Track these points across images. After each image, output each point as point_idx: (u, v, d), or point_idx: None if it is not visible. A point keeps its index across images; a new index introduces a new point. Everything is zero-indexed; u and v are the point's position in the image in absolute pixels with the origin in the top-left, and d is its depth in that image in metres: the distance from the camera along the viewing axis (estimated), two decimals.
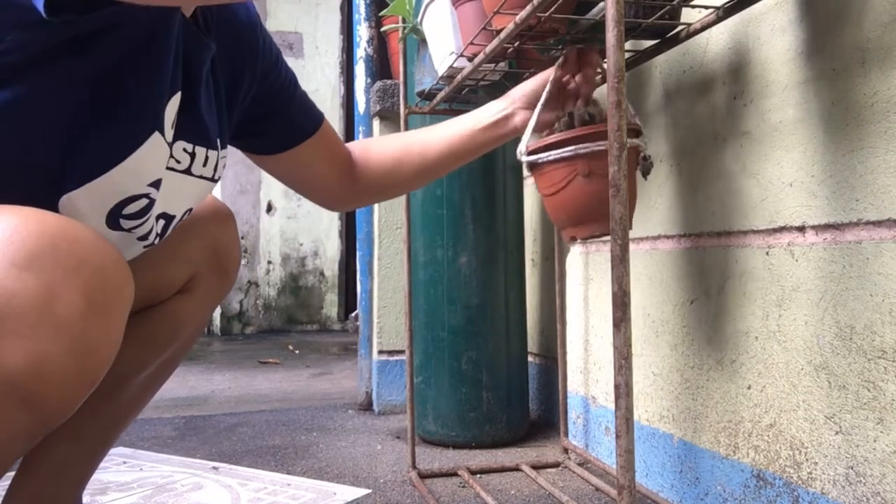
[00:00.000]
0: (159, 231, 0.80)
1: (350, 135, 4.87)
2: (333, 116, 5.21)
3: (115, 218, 0.73)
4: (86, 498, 0.95)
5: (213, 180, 0.85)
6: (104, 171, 0.69)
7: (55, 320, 0.55)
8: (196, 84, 0.77)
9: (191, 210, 0.85)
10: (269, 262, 5.10)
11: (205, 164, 0.81)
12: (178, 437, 1.88)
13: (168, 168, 0.76)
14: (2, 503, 0.87)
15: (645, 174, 0.92)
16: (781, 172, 1.00)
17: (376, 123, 2.21)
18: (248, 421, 2.07)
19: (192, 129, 0.78)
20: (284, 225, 5.10)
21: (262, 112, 0.92)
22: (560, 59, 0.96)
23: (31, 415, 0.56)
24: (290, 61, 5.09)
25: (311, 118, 0.98)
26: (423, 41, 1.37)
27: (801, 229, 0.97)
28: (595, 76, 1.04)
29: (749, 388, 1.07)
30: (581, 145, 0.86)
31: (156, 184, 0.74)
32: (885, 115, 0.84)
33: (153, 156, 0.72)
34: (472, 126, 1.03)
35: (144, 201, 0.74)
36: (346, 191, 1.03)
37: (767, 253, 1.03)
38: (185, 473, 1.55)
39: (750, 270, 1.07)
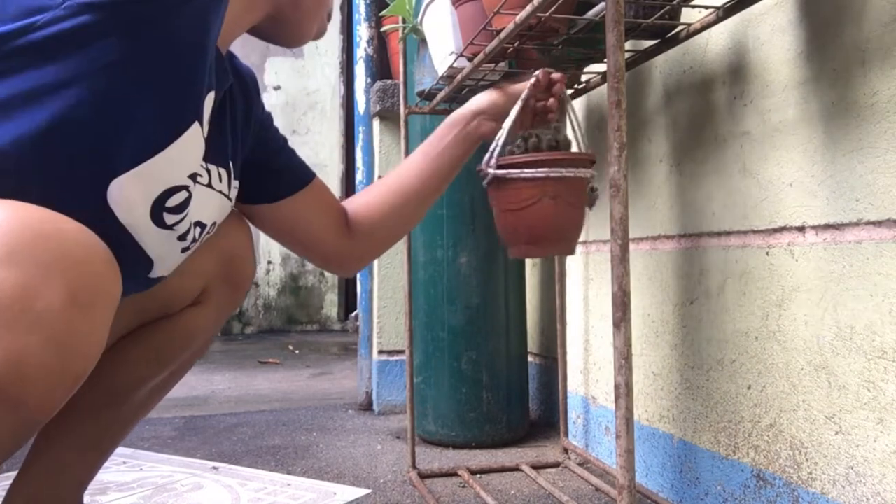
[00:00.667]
0: (196, 237, 0.81)
1: (350, 135, 4.88)
2: (333, 116, 5.21)
3: (159, 209, 0.72)
4: (86, 498, 0.95)
5: (230, 199, 0.86)
6: (153, 154, 0.69)
7: (34, 317, 0.54)
8: (214, 106, 0.79)
9: (216, 224, 0.86)
10: (269, 262, 5.10)
11: (220, 180, 0.82)
12: (178, 437, 1.88)
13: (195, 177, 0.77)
14: (2, 502, 0.87)
15: (590, 206, 0.95)
16: (781, 172, 1.00)
17: (376, 123, 2.21)
18: (248, 421, 2.07)
19: (210, 149, 0.78)
20: None
21: (257, 160, 0.93)
22: (532, 80, 0.97)
23: (12, 414, 0.55)
24: (290, 61, 5.09)
25: (304, 171, 0.99)
26: (423, 41, 1.37)
27: (801, 229, 0.97)
28: (560, 106, 1.04)
29: (749, 388, 1.07)
30: (553, 169, 0.89)
31: (194, 177, 0.75)
32: (885, 115, 0.84)
33: (193, 146, 0.73)
34: (440, 149, 1.02)
35: (185, 194, 0.74)
36: (344, 245, 1.00)
37: (767, 253, 1.03)
38: (185, 473, 1.55)
39: (750, 270, 1.07)
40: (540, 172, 0.89)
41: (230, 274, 0.96)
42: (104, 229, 0.67)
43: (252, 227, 0.99)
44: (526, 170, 0.89)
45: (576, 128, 1.00)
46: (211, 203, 0.82)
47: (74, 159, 0.66)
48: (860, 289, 0.88)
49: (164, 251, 0.77)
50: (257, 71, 4.89)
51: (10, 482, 0.88)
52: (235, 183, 0.87)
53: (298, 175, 0.97)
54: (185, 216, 0.76)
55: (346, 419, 2.09)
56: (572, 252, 0.98)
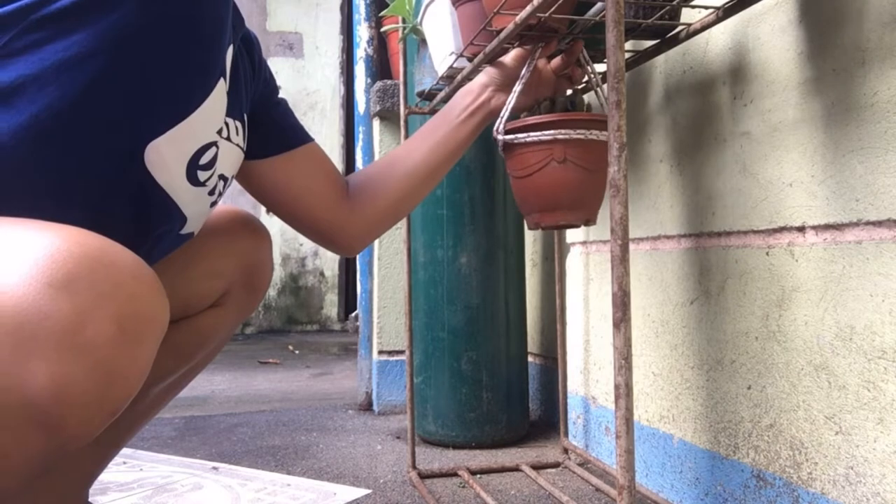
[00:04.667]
0: (221, 190, 0.82)
1: (350, 135, 4.88)
2: (333, 116, 5.21)
3: (193, 168, 0.73)
4: (88, 498, 0.95)
5: (243, 150, 0.86)
6: (187, 115, 0.69)
7: (83, 345, 0.54)
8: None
9: (233, 176, 0.86)
10: None
11: (237, 133, 0.83)
12: (178, 437, 1.88)
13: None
14: (6, 501, 0.87)
15: None
16: (781, 172, 1.01)
17: (376, 123, 2.21)
18: (248, 421, 2.07)
19: (228, 101, 0.79)
20: (285, 225, 5.06)
21: (256, 112, 0.93)
22: (541, 45, 0.95)
23: (48, 438, 0.55)
24: (291, 61, 5.09)
25: (301, 132, 0.98)
26: (423, 41, 1.37)
27: (801, 229, 0.97)
28: (578, 72, 1.03)
29: (749, 388, 1.07)
30: (561, 130, 0.86)
31: (220, 132, 0.76)
32: (885, 115, 0.84)
33: (220, 101, 0.74)
34: (450, 122, 0.99)
35: (214, 150, 0.75)
36: (340, 217, 0.97)
37: (767, 253, 1.03)
38: (185, 473, 1.55)
39: (750, 270, 1.07)
40: (546, 135, 0.86)
41: (250, 278, 0.96)
42: (143, 192, 0.68)
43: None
44: (532, 133, 0.87)
45: (599, 92, 0.98)
46: (231, 156, 0.82)
47: (111, 126, 0.66)
48: (860, 289, 0.88)
49: (196, 208, 0.78)
50: None
51: None
52: (246, 134, 0.87)
53: (296, 134, 0.96)
54: (213, 171, 0.77)
55: (346, 419, 2.09)
56: (592, 221, 0.93)
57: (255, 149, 0.93)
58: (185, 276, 0.89)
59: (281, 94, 1.01)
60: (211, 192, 0.79)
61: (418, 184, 1.00)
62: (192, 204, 0.77)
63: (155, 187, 0.71)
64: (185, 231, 0.80)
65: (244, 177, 0.95)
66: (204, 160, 0.74)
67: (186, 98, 0.70)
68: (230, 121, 0.81)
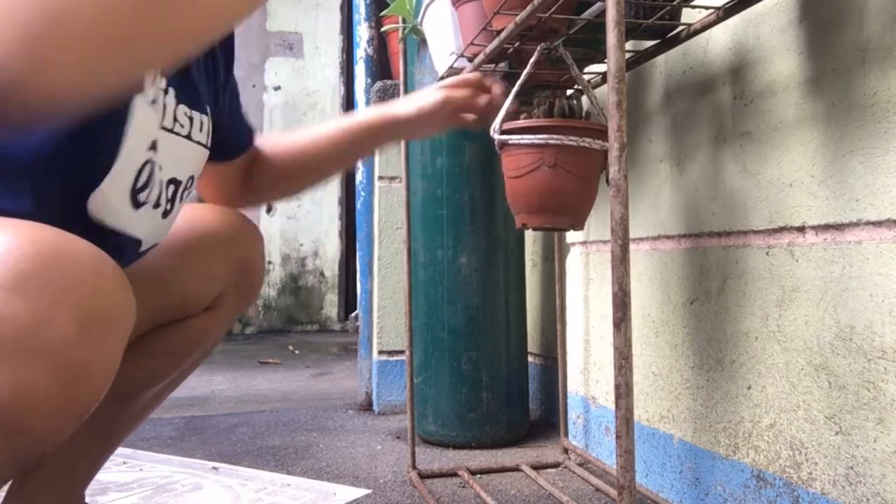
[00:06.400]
0: (169, 196, 0.80)
1: None
2: (333, 116, 5.20)
3: (135, 195, 0.72)
4: (86, 498, 0.95)
5: (207, 147, 0.84)
6: (117, 155, 0.68)
7: (43, 348, 0.52)
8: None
9: (193, 178, 0.84)
10: (269, 263, 5.09)
11: (200, 130, 0.81)
12: (178, 437, 1.88)
13: (171, 131, 0.76)
14: (3, 501, 0.87)
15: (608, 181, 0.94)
16: (781, 172, 1.01)
17: None
18: (248, 421, 2.07)
19: (190, 95, 0.78)
20: (284, 225, 5.10)
21: (224, 117, 0.92)
22: (535, 56, 0.96)
23: (13, 444, 0.53)
24: (291, 61, 5.09)
25: (250, 131, 0.99)
26: (423, 41, 1.37)
27: (801, 229, 0.97)
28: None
29: (749, 388, 1.07)
30: (553, 136, 0.87)
31: (153, 146, 0.73)
32: (885, 115, 0.84)
33: (143, 121, 0.71)
34: (356, 130, 1.02)
35: (149, 167, 0.73)
36: (239, 189, 1.00)
37: (767, 253, 1.03)
38: (185, 473, 1.54)
39: (750, 270, 1.07)
40: (539, 139, 0.87)
41: (242, 281, 0.96)
42: (93, 239, 0.66)
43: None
44: (525, 136, 0.88)
45: (594, 101, 0.99)
46: (188, 157, 0.80)
47: (52, 190, 0.66)
48: (860, 289, 0.88)
49: (148, 226, 0.77)
50: (257, 71, 4.90)
51: (12, 481, 0.88)
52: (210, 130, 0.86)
53: (250, 134, 0.97)
54: (151, 186, 0.75)
55: (346, 419, 2.09)
56: (579, 226, 0.95)
57: (223, 153, 0.93)
58: (179, 280, 0.88)
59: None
60: (156, 205, 0.77)
61: (309, 175, 1.03)
62: (143, 225, 0.76)
63: (106, 230, 0.71)
64: (143, 248, 0.80)
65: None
66: (141, 182, 0.73)
67: (109, 139, 0.68)
68: (197, 115, 0.80)
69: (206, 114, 0.83)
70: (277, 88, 5.05)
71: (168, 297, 0.87)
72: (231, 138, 0.94)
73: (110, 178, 0.69)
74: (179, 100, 0.77)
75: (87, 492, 0.96)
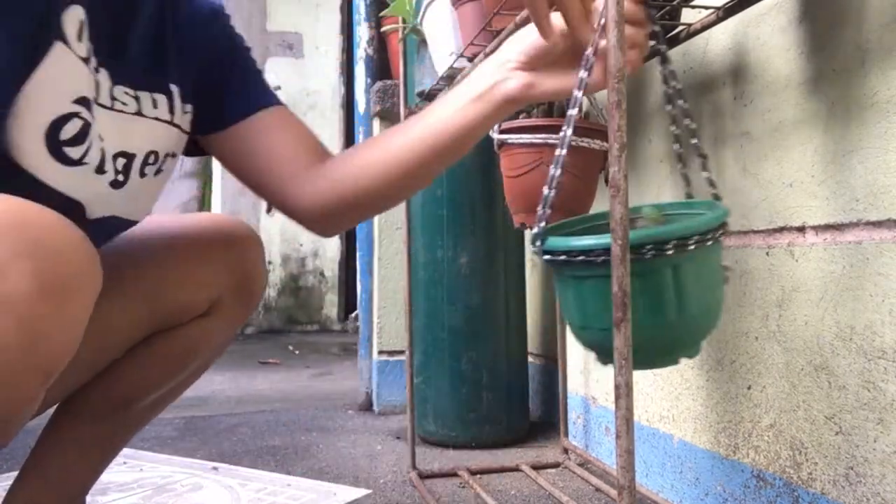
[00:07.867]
0: (120, 169, 0.76)
1: (350, 135, 4.88)
2: (333, 117, 5.21)
3: (55, 144, 0.68)
4: (87, 498, 0.95)
5: (174, 125, 0.81)
6: (20, 87, 0.65)
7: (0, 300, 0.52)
8: (126, 30, 0.76)
9: (157, 153, 0.80)
10: (269, 263, 5.10)
11: (156, 106, 0.79)
12: (178, 437, 1.88)
13: (111, 109, 0.74)
14: (2, 502, 0.87)
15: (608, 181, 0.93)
16: (781, 172, 1.00)
17: (376, 124, 2.21)
18: (248, 421, 2.07)
19: (127, 76, 0.76)
20: (284, 225, 5.09)
21: (219, 78, 0.87)
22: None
23: None
24: (290, 61, 5.09)
25: (273, 94, 0.90)
26: (423, 41, 1.37)
27: (801, 229, 0.97)
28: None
29: (749, 388, 1.07)
30: (553, 135, 0.86)
31: (83, 102, 0.70)
32: (885, 115, 0.84)
33: (65, 68, 0.68)
34: (452, 107, 0.78)
35: (79, 122, 0.70)
36: (307, 186, 0.84)
37: (767, 253, 1.03)
38: (185, 474, 1.55)
39: (750, 270, 1.07)
40: (538, 139, 0.87)
41: (241, 288, 0.94)
42: (15, 183, 0.64)
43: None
44: (524, 135, 0.88)
45: (593, 101, 0.98)
46: (141, 132, 0.78)
47: None
48: (860, 289, 0.88)
49: (87, 190, 0.73)
50: None
51: (10, 482, 0.88)
52: (187, 107, 0.83)
53: (267, 93, 0.89)
54: (89, 146, 0.71)
55: (346, 419, 2.09)
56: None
57: (227, 114, 0.86)
58: (167, 286, 0.87)
59: (281, 94, 0.97)
60: (99, 170, 0.73)
61: (410, 171, 0.81)
62: (77, 186, 0.72)
63: (24, 173, 0.67)
64: (93, 216, 0.75)
65: (216, 149, 0.88)
66: (66, 134, 0.69)
67: (10, 70, 0.65)
68: (144, 94, 0.77)
69: (165, 92, 0.80)
70: (277, 88, 5.00)
71: (159, 300, 0.86)
72: (245, 93, 0.88)
73: (20, 106, 0.65)
74: (115, 81, 0.75)
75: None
